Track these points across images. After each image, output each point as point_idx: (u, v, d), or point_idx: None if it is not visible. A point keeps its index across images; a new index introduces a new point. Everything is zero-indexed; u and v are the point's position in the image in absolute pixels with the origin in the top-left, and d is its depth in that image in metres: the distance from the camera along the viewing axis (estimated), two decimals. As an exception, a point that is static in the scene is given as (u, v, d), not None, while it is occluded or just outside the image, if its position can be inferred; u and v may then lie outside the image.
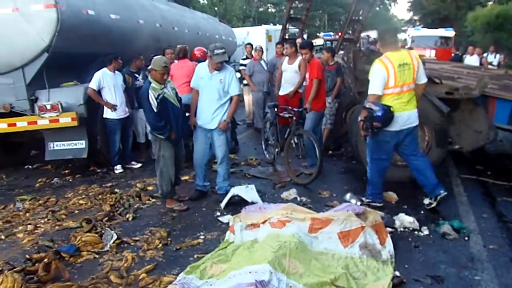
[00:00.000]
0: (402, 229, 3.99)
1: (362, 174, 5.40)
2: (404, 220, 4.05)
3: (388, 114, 4.12)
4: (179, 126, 4.67)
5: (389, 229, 3.85)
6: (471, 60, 11.83)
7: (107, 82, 6.22)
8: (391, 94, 4.18)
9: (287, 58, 6.68)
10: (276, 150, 6.14)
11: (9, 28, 5.83)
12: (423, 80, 4.34)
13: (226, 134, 4.99)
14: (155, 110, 4.47)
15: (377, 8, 41.47)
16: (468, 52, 12.89)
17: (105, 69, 6.28)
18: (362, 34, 17.20)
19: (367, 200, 4.54)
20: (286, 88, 6.61)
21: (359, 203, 4.47)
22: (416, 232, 3.95)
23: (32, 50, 5.94)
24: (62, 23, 5.81)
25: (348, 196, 4.73)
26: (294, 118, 5.61)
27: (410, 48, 17.97)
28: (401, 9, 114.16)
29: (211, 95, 4.83)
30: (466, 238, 3.85)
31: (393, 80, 4.12)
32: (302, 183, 5.45)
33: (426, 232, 3.94)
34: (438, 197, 4.35)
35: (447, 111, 4.94)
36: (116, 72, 6.42)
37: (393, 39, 4.36)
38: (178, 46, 6.92)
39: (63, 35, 5.89)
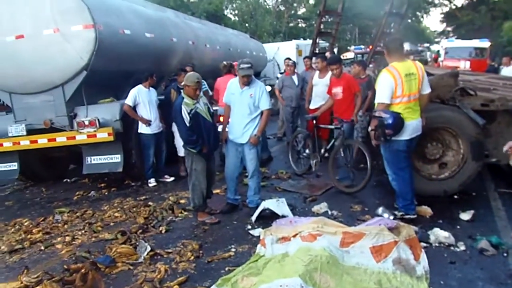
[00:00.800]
0: (437, 244, 3.89)
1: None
2: (439, 235, 3.94)
3: (398, 121, 4.17)
4: (210, 140, 4.76)
5: (423, 244, 3.76)
6: (508, 71, 11.45)
7: (142, 98, 6.44)
8: (399, 104, 4.23)
9: (317, 72, 6.80)
10: (315, 161, 6.17)
11: (51, 48, 6.14)
12: (427, 90, 4.39)
13: (257, 148, 5.03)
14: (188, 124, 4.59)
15: (409, 21, 40.91)
16: (504, 63, 12.50)
17: (140, 85, 6.50)
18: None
19: (400, 214, 4.46)
20: (317, 102, 6.70)
21: (392, 217, 4.39)
22: (452, 248, 3.83)
23: (71, 68, 6.23)
24: (100, 43, 6.07)
25: (380, 210, 4.65)
26: (342, 128, 5.67)
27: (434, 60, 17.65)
28: (433, 21, 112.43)
29: (242, 110, 4.92)
30: (505, 254, 3.70)
31: (401, 89, 4.18)
32: (350, 192, 5.48)
33: (462, 247, 3.82)
34: (407, 217, 4.38)
35: (483, 123, 4.81)
36: (151, 88, 6.64)
37: (399, 49, 4.39)
38: (223, 62, 7.26)
39: (101, 54, 6.15)
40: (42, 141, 6.53)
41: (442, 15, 40.12)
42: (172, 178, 6.84)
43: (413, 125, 4.28)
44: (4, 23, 6.30)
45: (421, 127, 4.38)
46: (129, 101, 6.35)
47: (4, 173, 7.11)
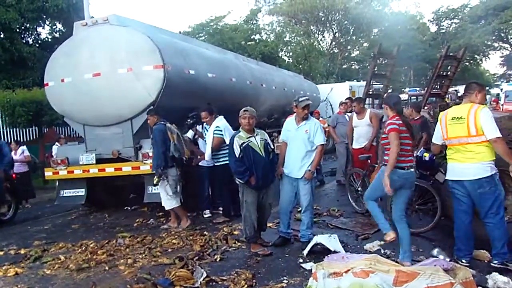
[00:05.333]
0: (495, 289, 3.77)
1: (451, 230, 5.21)
2: (498, 279, 3.82)
3: (432, 160, 4.35)
4: (259, 174, 4.92)
5: (481, 288, 3.67)
6: None
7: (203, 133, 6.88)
8: (448, 145, 4.32)
9: (355, 114, 7.20)
10: None
11: (124, 85, 6.75)
12: (490, 135, 4.01)
13: (311, 184, 5.15)
14: (237, 155, 4.86)
15: (467, 64, 40.04)
16: None
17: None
18: (450, 89, 16.75)
19: (455, 257, 4.36)
20: (360, 142, 7.29)
21: (448, 259, 4.31)
22: (512, 294, 3.70)
23: (140, 104, 6.79)
24: (167, 81, 6.61)
25: (435, 251, 4.57)
26: None
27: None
28: (493, 64, 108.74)
29: (298, 145, 5.11)
30: None
31: (445, 131, 4.27)
32: (415, 232, 5.31)
33: (523, 294, 3.68)
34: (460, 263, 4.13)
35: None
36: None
37: (468, 92, 4.33)
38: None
39: (167, 91, 6.67)
40: (110, 170, 7.05)
41: (502, 58, 39.00)
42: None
43: (458, 168, 4.21)
44: (84, 62, 7.02)
45: (477, 173, 4.11)
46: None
47: (72, 198, 7.69)
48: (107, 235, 6.25)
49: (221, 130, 6.48)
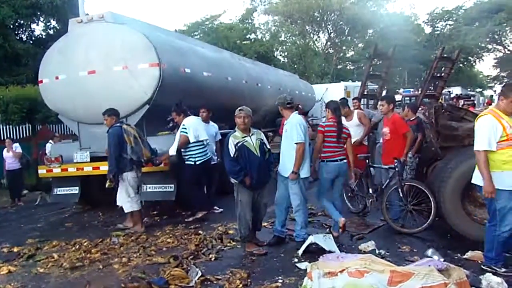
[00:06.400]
0: (489, 290, 3.79)
1: (445, 231, 5.27)
2: (492, 280, 3.84)
3: None
4: (254, 174, 4.90)
5: (475, 289, 3.69)
6: None
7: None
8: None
9: (343, 117, 7.30)
10: (371, 200, 6.19)
11: (119, 83, 6.72)
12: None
13: (299, 184, 5.09)
14: (232, 155, 4.86)
15: (461, 65, 40.27)
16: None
17: (200, 120, 6.94)
18: (444, 90, 16.84)
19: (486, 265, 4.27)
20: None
21: (442, 259, 4.33)
22: (505, 294, 3.73)
23: (135, 102, 6.76)
24: (163, 80, 6.59)
25: (430, 251, 4.59)
26: (397, 169, 5.66)
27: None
28: (487, 66, 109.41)
29: (284, 144, 5.16)
30: None
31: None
32: (409, 233, 5.47)
33: (516, 295, 3.71)
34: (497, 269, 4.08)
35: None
36: (211, 122, 7.04)
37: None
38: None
39: (163, 90, 6.65)
40: (104, 168, 6.93)
41: (496, 60, 39.32)
42: (221, 210, 7.06)
43: None
44: (79, 60, 6.99)
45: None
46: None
47: (66, 197, 7.64)
48: (101, 233, 6.21)
49: (185, 128, 6.39)
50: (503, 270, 4.08)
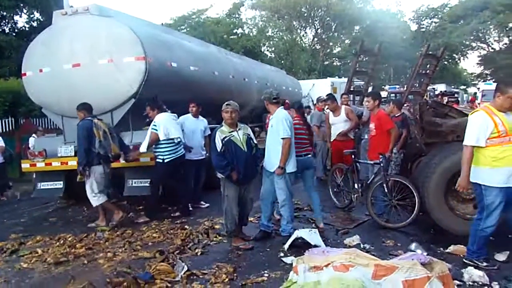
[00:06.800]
0: (470, 283, 3.86)
1: (429, 225, 5.35)
2: (474, 273, 3.93)
3: None
4: (241, 169, 4.90)
5: (456, 282, 3.76)
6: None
7: (188, 126, 6.84)
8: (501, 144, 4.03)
9: (330, 112, 7.30)
10: (356, 195, 6.25)
11: (104, 76, 6.64)
12: None
13: (285, 179, 5.12)
14: (218, 150, 4.85)
15: (446, 63, 40.78)
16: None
17: (188, 114, 6.89)
18: (429, 87, 17.05)
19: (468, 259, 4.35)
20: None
21: (425, 253, 4.40)
22: (485, 288, 3.82)
23: (121, 96, 6.69)
24: (149, 74, 6.53)
25: (413, 246, 4.67)
26: (382, 164, 5.71)
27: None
28: (471, 64, 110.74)
29: (269, 139, 5.18)
30: (542, 298, 3.66)
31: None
32: (393, 227, 5.53)
33: (496, 287, 3.80)
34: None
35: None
36: (200, 117, 7.02)
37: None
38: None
39: (149, 84, 6.59)
40: (88, 162, 6.90)
41: (480, 58, 39.91)
42: (207, 205, 7.06)
43: None
44: (63, 52, 6.88)
45: None
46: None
47: (50, 191, 7.51)
48: (85, 228, 6.15)
49: (156, 125, 6.31)
50: (485, 264, 4.17)
